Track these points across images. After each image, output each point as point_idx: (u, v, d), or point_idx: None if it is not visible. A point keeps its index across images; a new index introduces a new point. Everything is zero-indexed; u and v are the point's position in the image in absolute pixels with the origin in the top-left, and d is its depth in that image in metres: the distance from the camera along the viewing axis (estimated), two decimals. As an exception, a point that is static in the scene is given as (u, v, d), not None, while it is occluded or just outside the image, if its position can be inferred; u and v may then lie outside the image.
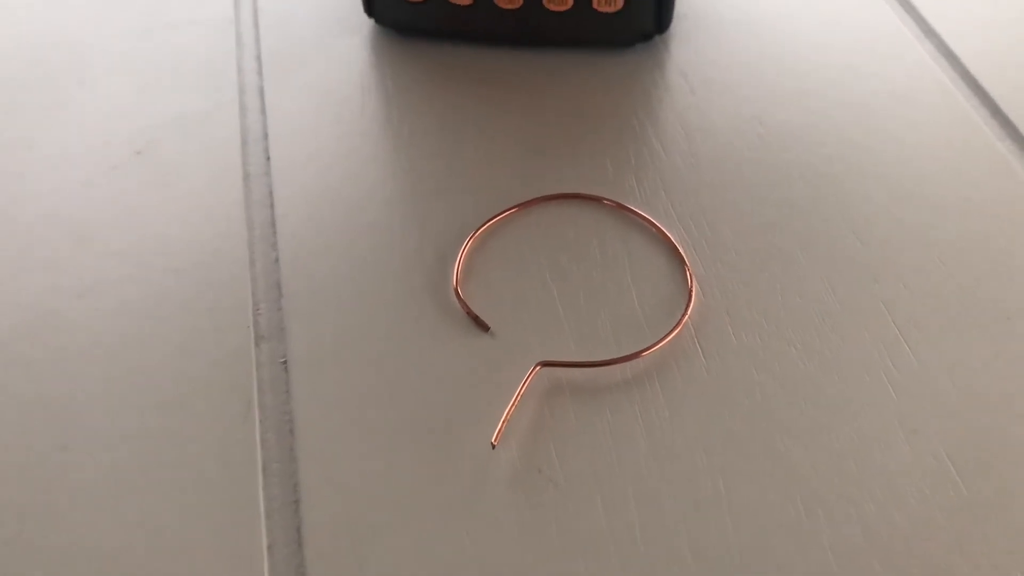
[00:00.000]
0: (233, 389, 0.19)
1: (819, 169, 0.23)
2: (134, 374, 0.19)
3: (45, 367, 0.19)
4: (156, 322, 0.20)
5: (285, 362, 0.19)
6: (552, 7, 0.24)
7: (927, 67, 0.26)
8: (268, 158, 0.24)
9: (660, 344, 0.19)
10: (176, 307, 0.20)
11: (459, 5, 0.24)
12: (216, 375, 0.19)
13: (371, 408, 0.19)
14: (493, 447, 0.18)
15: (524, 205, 0.22)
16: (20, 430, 0.18)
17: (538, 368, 0.19)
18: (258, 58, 0.26)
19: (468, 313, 0.20)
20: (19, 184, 0.23)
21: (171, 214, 0.22)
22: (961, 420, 0.18)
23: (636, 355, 0.19)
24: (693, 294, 0.20)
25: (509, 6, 0.24)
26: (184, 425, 0.18)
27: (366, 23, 0.27)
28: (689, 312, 0.20)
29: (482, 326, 0.20)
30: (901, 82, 0.26)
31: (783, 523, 0.17)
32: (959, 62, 0.26)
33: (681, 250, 0.21)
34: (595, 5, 0.24)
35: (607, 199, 0.22)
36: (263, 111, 0.25)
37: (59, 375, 0.19)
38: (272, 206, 0.22)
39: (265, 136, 0.24)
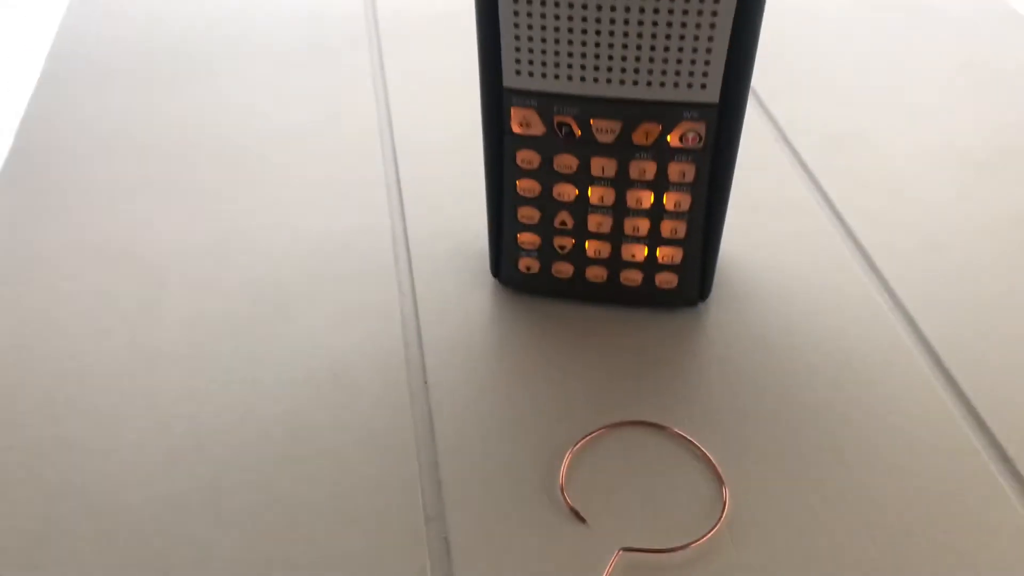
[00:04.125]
0: (407, 558, 0.28)
1: (836, 418, 0.32)
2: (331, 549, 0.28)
3: (246, 528, 0.28)
4: (346, 520, 0.29)
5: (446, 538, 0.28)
6: (627, 283, 0.34)
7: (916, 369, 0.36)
8: (426, 382, 0.33)
9: (702, 540, 0.28)
10: (357, 507, 0.30)
11: (561, 278, 0.35)
12: (392, 550, 0.28)
13: None
14: (592, 608, 0.26)
15: (609, 427, 0.32)
16: (270, 579, 0.27)
17: (620, 552, 0.28)
18: (413, 296, 0.37)
19: (571, 508, 0.29)
20: (240, 409, 0.33)
21: (348, 427, 0.32)
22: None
23: (686, 546, 0.28)
24: (727, 504, 0.29)
25: (597, 280, 0.35)
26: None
27: (492, 282, 0.37)
28: (723, 517, 0.29)
29: (581, 519, 0.29)
30: (893, 388, 0.35)
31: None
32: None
33: (719, 468, 0.30)
34: (657, 283, 0.34)
35: (667, 426, 0.32)
36: (420, 345, 0.35)
37: (261, 535, 0.28)
38: (432, 425, 0.32)
39: (423, 368, 0.34)
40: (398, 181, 0.43)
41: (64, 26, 0.56)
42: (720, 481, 0.30)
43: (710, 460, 0.30)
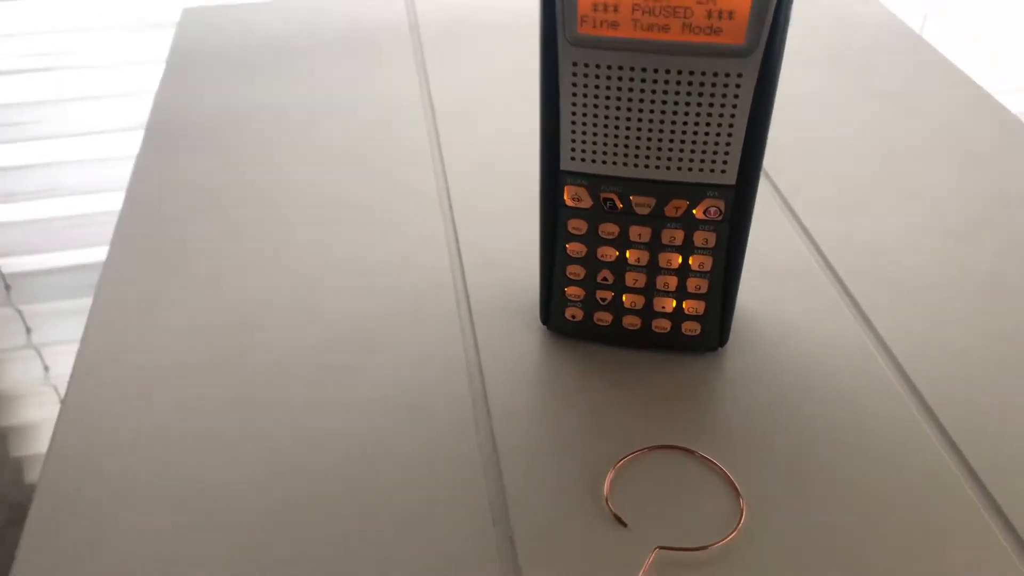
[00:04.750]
0: (479, 555, 0.34)
1: (832, 443, 0.38)
2: None
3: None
4: None
5: (511, 539, 0.34)
6: (657, 330, 0.41)
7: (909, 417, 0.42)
8: (488, 411, 0.40)
9: (724, 541, 0.34)
10: (435, 514, 0.36)
11: (602, 325, 0.41)
12: (465, 549, 0.34)
13: None
14: (635, 592, 0.32)
15: (645, 450, 0.38)
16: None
17: (657, 550, 0.34)
18: (474, 340, 0.43)
19: (614, 514, 0.35)
20: (331, 434, 0.39)
21: (424, 448, 0.38)
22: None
23: (710, 546, 0.34)
24: (743, 512, 0.35)
25: (632, 327, 0.41)
26: None
27: (541, 328, 0.44)
28: (740, 523, 0.35)
29: (623, 523, 0.35)
30: (869, 407, 0.41)
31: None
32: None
33: (736, 484, 0.36)
34: (683, 331, 0.41)
35: (692, 449, 0.38)
36: (482, 381, 0.41)
37: (351, 539, 0.34)
38: (495, 446, 0.38)
39: (486, 399, 0.40)
40: (457, 243, 0.50)
41: (159, 98, 0.63)
42: (737, 494, 0.36)
43: (729, 477, 0.37)
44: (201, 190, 0.54)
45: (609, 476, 0.37)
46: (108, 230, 0.96)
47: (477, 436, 0.39)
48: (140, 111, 0.84)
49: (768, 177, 0.55)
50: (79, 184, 0.85)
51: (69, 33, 0.80)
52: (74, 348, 1.03)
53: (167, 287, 0.47)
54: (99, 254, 0.94)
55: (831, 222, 0.51)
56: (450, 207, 0.53)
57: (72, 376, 0.42)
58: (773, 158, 0.56)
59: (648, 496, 0.36)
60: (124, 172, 0.87)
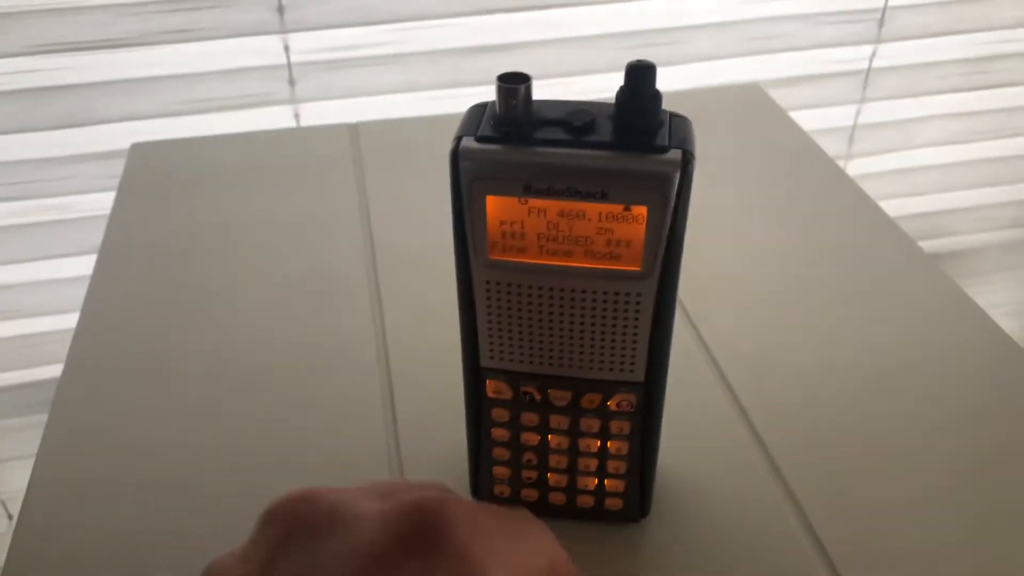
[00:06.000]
0: None
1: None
2: None
3: None
4: None
5: None
6: (582, 506, 0.43)
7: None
8: None
9: None
10: None
11: (528, 500, 0.43)
12: None
13: None
14: None
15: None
16: None
17: None
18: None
19: None
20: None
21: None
22: None
23: None
24: None
25: (557, 503, 0.43)
26: None
27: (472, 499, 0.45)
28: None
29: None
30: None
31: None
32: None
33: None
34: (606, 506, 0.43)
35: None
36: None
37: None
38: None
39: None
40: (393, 408, 0.51)
41: (112, 224, 0.65)
42: None
43: (649, 661, 0.38)
44: (142, 351, 0.56)
45: (533, 664, 0.38)
46: (59, 348, 0.96)
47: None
48: (91, 236, 0.85)
49: (689, 318, 0.57)
50: (33, 306, 0.86)
51: (18, 164, 0.82)
52: (22, 463, 1.03)
53: (110, 466, 0.48)
54: (49, 372, 0.94)
55: (750, 373, 0.53)
56: (387, 365, 0.54)
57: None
58: (691, 298, 0.58)
59: None
60: (72, 294, 0.88)
